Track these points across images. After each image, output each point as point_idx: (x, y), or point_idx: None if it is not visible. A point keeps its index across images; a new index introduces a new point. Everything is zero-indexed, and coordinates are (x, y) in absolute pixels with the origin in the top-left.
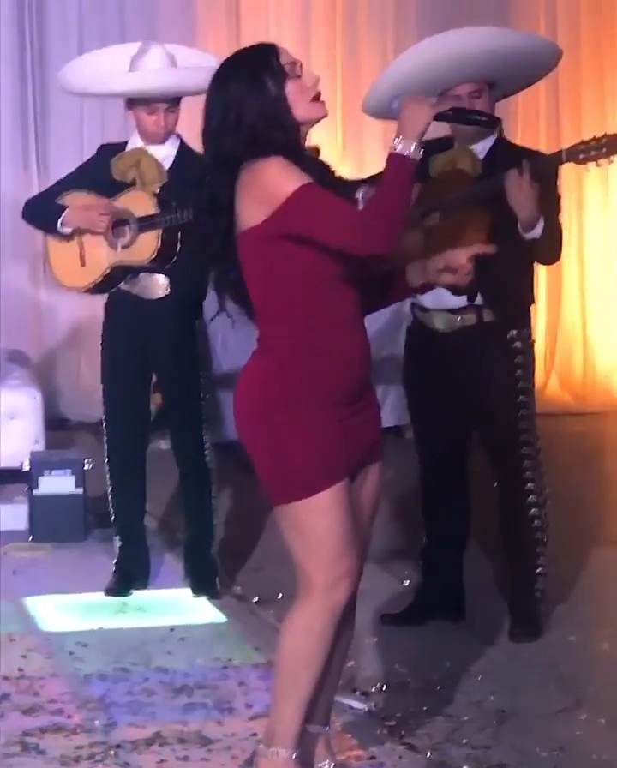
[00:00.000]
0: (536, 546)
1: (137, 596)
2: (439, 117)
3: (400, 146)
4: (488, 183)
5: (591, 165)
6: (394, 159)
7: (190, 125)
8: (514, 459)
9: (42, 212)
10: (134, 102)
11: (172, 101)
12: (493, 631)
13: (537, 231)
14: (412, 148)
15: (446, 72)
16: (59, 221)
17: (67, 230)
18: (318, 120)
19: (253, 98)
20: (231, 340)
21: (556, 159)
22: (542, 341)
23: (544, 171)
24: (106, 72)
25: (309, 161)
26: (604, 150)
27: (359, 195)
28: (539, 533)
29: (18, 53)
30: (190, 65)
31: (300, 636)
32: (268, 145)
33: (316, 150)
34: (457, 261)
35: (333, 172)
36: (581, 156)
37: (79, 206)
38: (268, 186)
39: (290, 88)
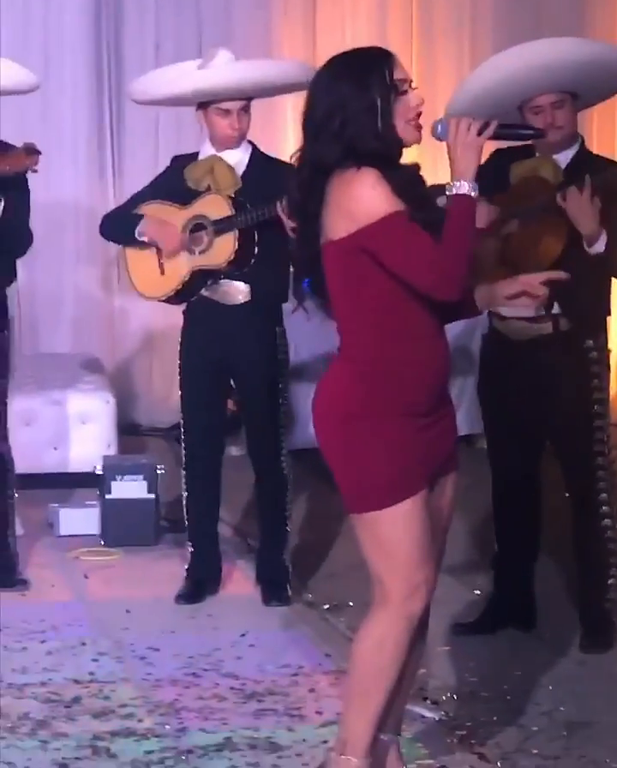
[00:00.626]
0: (609, 556)
1: (209, 601)
2: (490, 138)
3: (458, 187)
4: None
5: None
6: (457, 200)
7: (260, 131)
8: (588, 470)
9: (119, 224)
10: (205, 106)
11: (244, 102)
12: (564, 641)
13: (600, 246)
14: (470, 187)
15: (526, 83)
16: (137, 230)
17: (145, 237)
18: (412, 144)
19: (359, 105)
20: (300, 336)
21: None
22: None
23: (613, 183)
24: (174, 76)
25: (405, 178)
26: None
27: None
28: (612, 544)
29: (95, 65)
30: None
31: (374, 646)
32: (365, 155)
33: (416, 166)
34: (533, 286)
35: (426, 190)
36: None
37: (155, 219)
38: (359, 202)
39: (397, 104)
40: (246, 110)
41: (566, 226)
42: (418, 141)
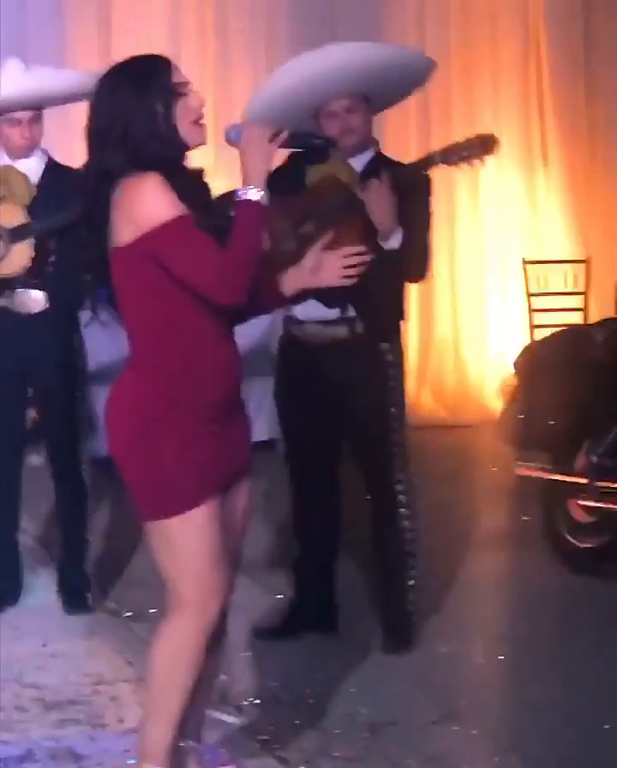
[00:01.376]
0: (408, 558)
1: (10, 611)
2: (282, 146)
3: (247, 192)
4: (356, 192)
5: (464, 165)
6: (244, 206)
7: (54, 140)
8: (385, 472)
9: None
10: None
11: (35, 112)
12: (365, 643)
13: (394, 242)
14: (260, 195)
15: (323, 87)
16: None
17: None
18: (197, 145)
19: (140, 111)
20: (97, 341)
21: (430, 161)
22: (415, 355)
23: (414, 178)
24: None
25: (188, 181)
26: (476, 150)
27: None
28: (410, 545)
29: None
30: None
31: (170, 652)
32: (149, 160)
33: (200, 171)
34: (329, 257)
35: (209, 195)
36: (454, 157)
37: None
38: (142, 207)
39: (178, 107)
40: (37, 119)
41: (361, 224)
42: (203, 141)
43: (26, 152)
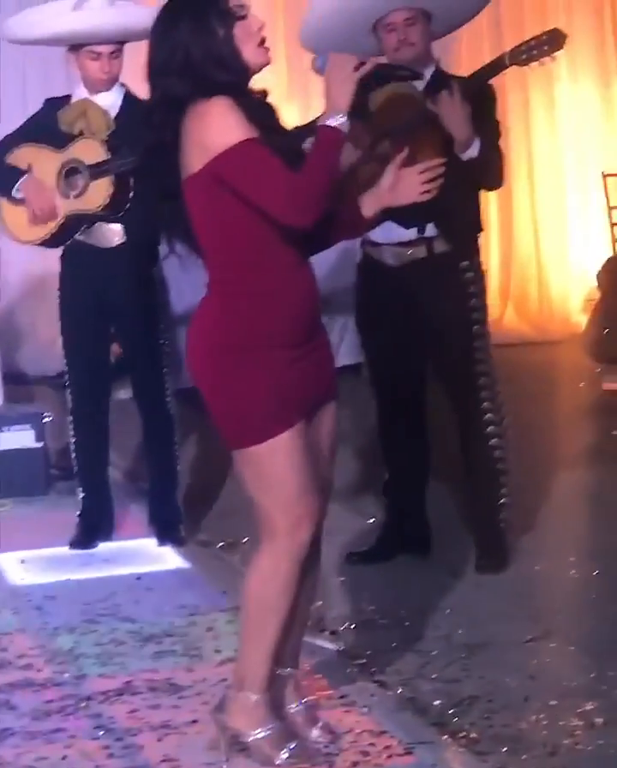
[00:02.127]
0: (499, 476)
1: (103, 547)
2: (364, 80)
3: (328, 119)
4: (428, 106)
5: (535, 64)
6: (324, 131)
7: (133, 74)
8: (471, 391)
9: None
10: (77, 48)
11: (116, 46)
12: (460, 564)
13: (473, 151)
14: (341, 121)
15: None
16: (15, 187)
17: (20, 195)
18: (262, 66)
19: (199, 38)
20: (184, 284)
21: (499, 64)
22: (497, 272)
23: (484, 81)
24: (49, 16)
25: (256, 105)
26: (546, 47)
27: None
28: (500, 463)
29: None
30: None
31: (264, 580)
32: (214, 85)
33: (264, 92)
34: (406, 173)
35: (278, 117)
36: (524, 56)
37: (36, 182)
38: (210, 132)
39: (237, 30)
40: (118, 53)
41: (439, 137)
42: (267, 63)
43: (105, 85)
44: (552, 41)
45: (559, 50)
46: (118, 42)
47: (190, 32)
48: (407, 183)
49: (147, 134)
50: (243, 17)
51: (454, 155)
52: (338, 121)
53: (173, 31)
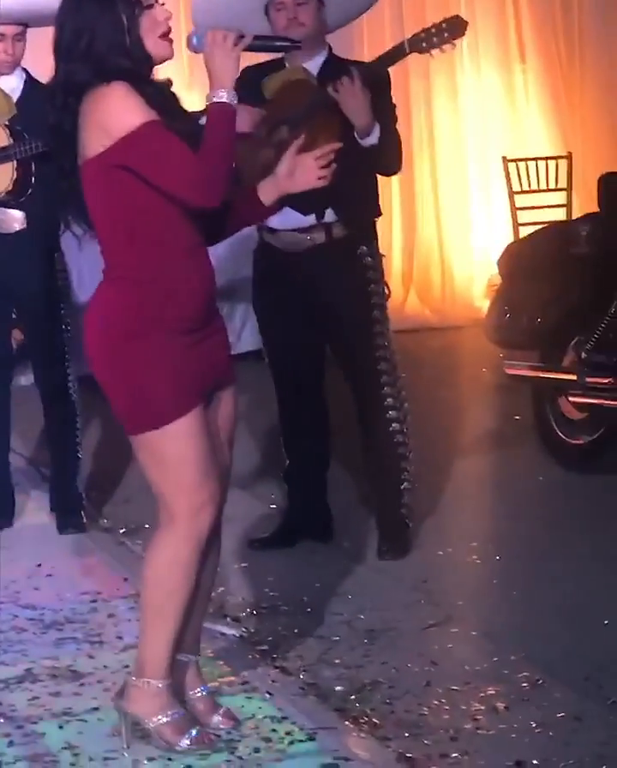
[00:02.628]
0: (399, 462)
1: (3, 533)
2: (245, 50)
3: (217, 95)
4: (325, 91)
5: (436, 52)
6: (214, 107)
7: (34, 59)
8: (371, 376)
9: None
10: None
11: (19, 28)
12: (361, 549)
13: (373, 138)
14: (230, 96)
15: None
16: None
17: None
18: (164, 59)
19: (104, 24)
20: (86, 273)
21: (399, 51)
22: (399, 257)
23: (384, 69)
24: None
25: (157, 91)
26: (446, 34)
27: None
28: (401, 448)
29: None
30: None
31: (164, 566)
32: (115, 71)
33: (168, 82)
34: (303, 160)
35: (181, 105)
36: (424, 44)
37: None
38: (110, 115)
39: (143, 19)
40: (20, 36)
41: (337, 122)
42: (170, 55)
43: (7, 68)
44: (452, 28)
45: (460, 37)
46: (22, 24)
47: (96, 17)
48: (304, 168)
49: (48, 115)
50: (150, 6)
51: (352, 140)
52: (225, 97)
53: (79, 14)
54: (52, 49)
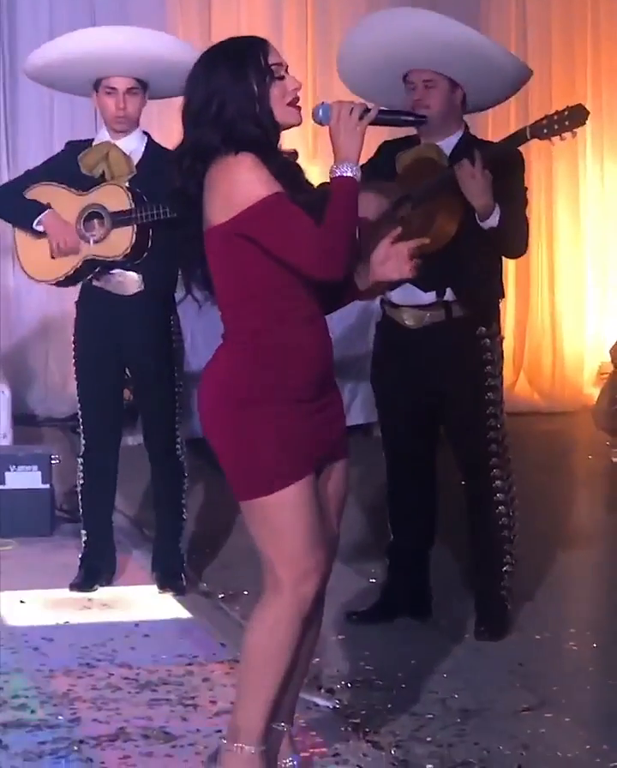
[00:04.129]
0: (503, 544)
1: (103, 591)
2: (371, 123)
3: (342, 169)
4: (449, 172)
5: (556, 139)
6: (339, 182)
7: (158, 126)
8: (482, 457)
9: (14, 205)
10: (97, 86)
11: (133, 82)
12: (459, 629)
13: (494, 221)
14: (354, 170)
15: (404, 50)
16: (36, 220)
17: (41, 228)
18: (292, 125)
19: (235, 91)
20: (200, 339)
21: (520, 136)
22: (511, 339)
23: (506, 156)
24: (62, 40)
25: (283, 163)
26: (567, 123)
27: None
28: (506, 531)
29: None
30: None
31: (267, 632)
32: (244, 140)
33: (294, 153)
34: (397, 249)
35: (305, 178)
36: (545, 130)
37: (58, 218)
38: (237, 186)
39: (274, 89)
40: (136, 90)
41: (459, 204)
42: (298, 122)
43: (121, 125)
44: (574, 116)
45: (581, 125)
46: (137, 80)
47: (228, 84)
48: (396, 259)
49: (174, 178)
50: (282, 78)
51: (475, 220)
52: (350, 171)
53: (212, 79)
54: (181, 115)
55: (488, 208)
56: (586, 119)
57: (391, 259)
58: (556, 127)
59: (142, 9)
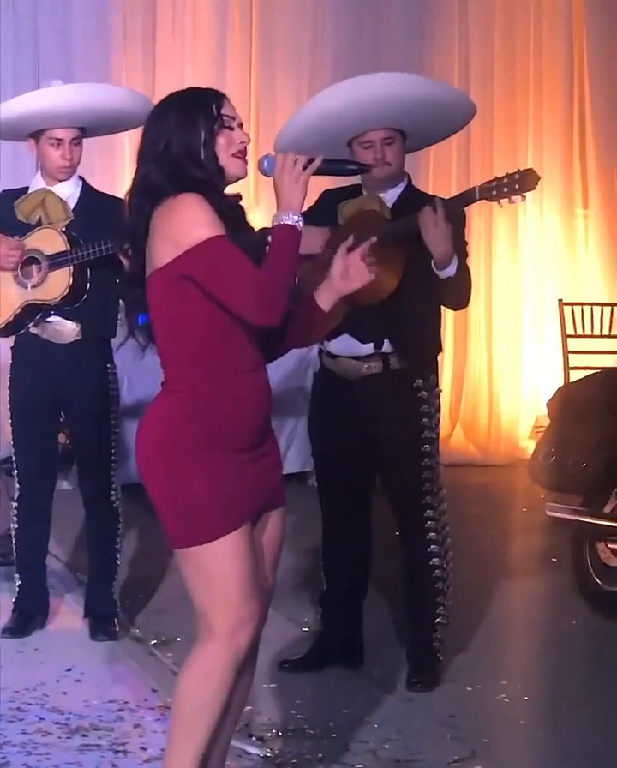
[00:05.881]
0: (437, 595)
1: (35, 635)
2: (315, 172)
3: (283, 217)
4: (404, 222)
5: (504, 201)
6: (280, 230)
7: (90, 171)
8: (417, 509)
9: None
10: (38, 136)
11: (77, 132)
12: (391, 679)
13: (451, 270)
14: (296, 219)
15: (356, 117)
16: None
17: None
18: (237, 177)
19: (183, 133)
20: (135, 377)
21: (470, 196)
22: (449, 391)
23: (456, 210)
24: (14, 102)
25: (227, 204)
26: (517, 186)
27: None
28: (440, 583)
29: None
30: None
31: (199, 680)
32: (187, 180)
33: (238, 196)
34: (353, 258)
35: (246, 218)
36: (494, 192)
37: None
38: (179, 226)
39: (220, 137)
40: (78, 141)
41: (402, 259)
42: (243, 174)
43: (64, 175)
44: (524, 181)
45: (531, 190)
46: (79, 128)
47: (176, 127)
48: (356, 267)
49: (127, 217)
50: (231, 128)
51: (418, 273)
52: (291, 219)
53: (162, 121)
54: (136, 154)
55: (447, 257)
56: (536, 184)
57: (349, 268)
58: (506, 190)
59: (87, 58)
